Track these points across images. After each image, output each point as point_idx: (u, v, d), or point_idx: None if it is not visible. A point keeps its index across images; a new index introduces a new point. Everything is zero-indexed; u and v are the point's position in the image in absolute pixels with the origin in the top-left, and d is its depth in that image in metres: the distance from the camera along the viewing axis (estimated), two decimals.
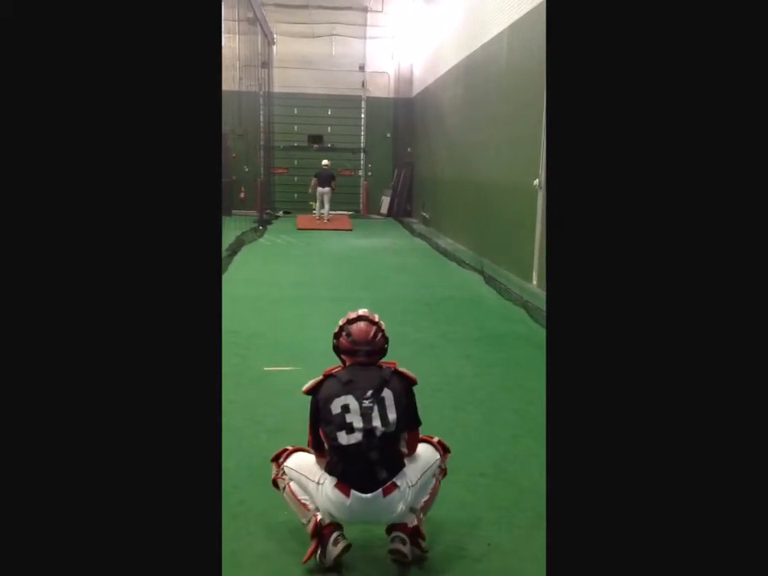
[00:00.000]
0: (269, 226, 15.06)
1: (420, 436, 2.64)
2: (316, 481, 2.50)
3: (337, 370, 2.56)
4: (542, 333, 6.17)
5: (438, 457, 2.63)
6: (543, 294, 7.64)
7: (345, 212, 18.16)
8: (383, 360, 2.61)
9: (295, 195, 18.47)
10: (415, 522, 2.52)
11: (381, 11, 18.11)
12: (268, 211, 16.88)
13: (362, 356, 2.52)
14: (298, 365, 4.98)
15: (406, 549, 2.48)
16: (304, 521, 2.56)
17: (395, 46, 18.34)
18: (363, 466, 2.40)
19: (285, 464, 2.63)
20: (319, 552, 2.49)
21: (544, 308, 6.67)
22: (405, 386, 2.52)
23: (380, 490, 2.40)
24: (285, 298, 7.59)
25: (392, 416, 2.43)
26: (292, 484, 2.59)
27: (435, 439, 2.71)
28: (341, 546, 2.46)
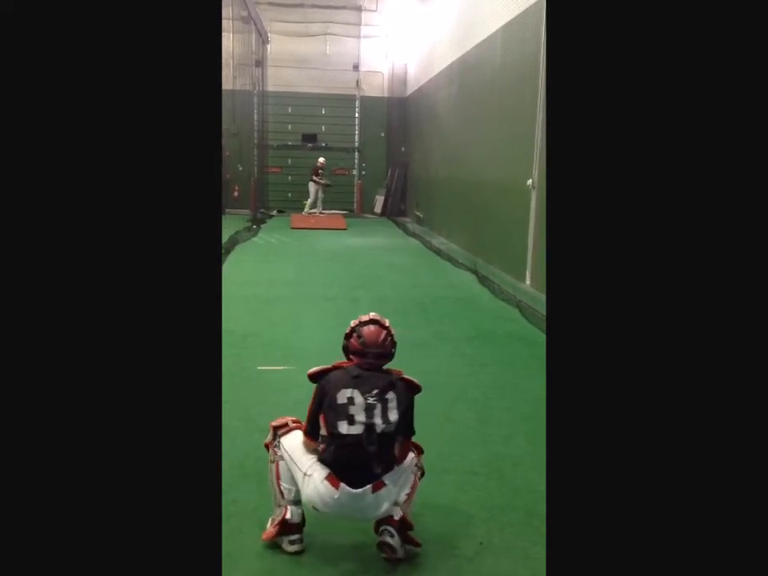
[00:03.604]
0: (262, 225, 15.03)
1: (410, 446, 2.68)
2: (304, 472, 2.53)
3: (347, 363, 2.62)
4: (535, 332, 6.18)
5: (413, 456, 2.69)
6: (537, 294, 7.67)
7: (339, 211, 18.16)
8: (389, 365, 2.67)
9: (289, 194, 18.44)
10: (401, 514, 2.57)
11: (375, 10, 18.10)
12: (262, 210, 16.85)
13: (371, 358, 2.59)
14: (292, 364, 4.98)
15: (394, 541, 2.53)
16: (275, 506, 2.66)
17: (389, 45, 18.32)
18: (360, 458, 2.45)
19: (281, 439, 2.67)
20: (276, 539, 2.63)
21: (537, 307, 6.70)
22: (408, 393, 2.60)
23: (369, 486, 2.45)
24: (279, 297, 7.58)
25: (393, 416, 2.49)
26: (281, 464, 2.63)
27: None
28: (294, 548, 2.60)
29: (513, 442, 3.74)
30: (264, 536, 2.64)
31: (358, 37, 18.25)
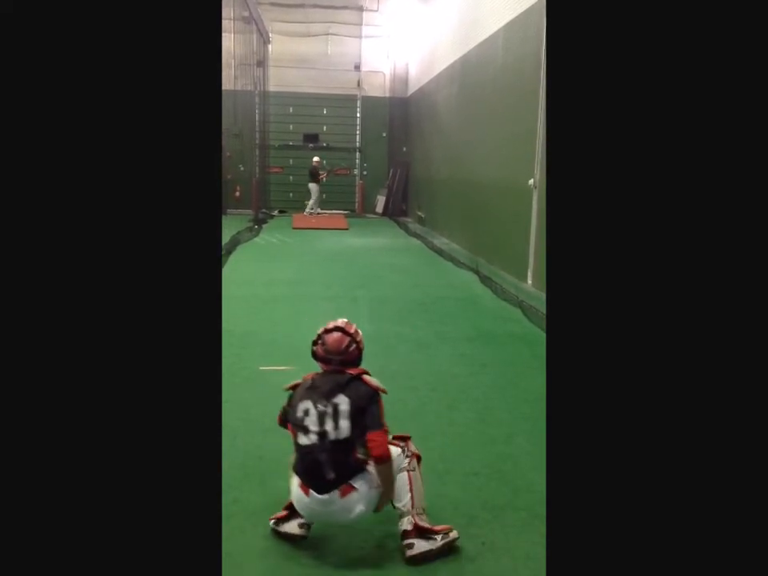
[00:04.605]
0: (264, 225, 15.04)
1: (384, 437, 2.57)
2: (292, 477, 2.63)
3: (313, 375, 2.67)
4: (536, 332, 6.18)
5: (399, 451, 2.65)
6: (538, 294, 7.66)
7: (340, 211, 18.16)
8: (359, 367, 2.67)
9: (291, 194, 18.46)
10: (413, 522, 2.55)
11: (376, 10, 18.10)
12: (263, 210, 16.87)
13: (336, 365, 2.63)
14: (293, 364, 4.96)
15: (416, 550, 2.53)
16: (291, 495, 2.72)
17: (391, 45, 18.34)
18: (314, 466, 2.51)
19: None
20: (282, 521, 2.69)
21: (539, 308, 6.69)
22: (366, 393, 2.55)
23: (337, 491, 2.48)
24: (280, 297, 7.59)
25: (344, 422, 2.50)
26: None
27: (389, 437, 2.71)
28: (301, 531, 2.65)
29: (514, 442, 3.73)
30: (273, 517, 2.72)
31: (360, 37, 18.26)
